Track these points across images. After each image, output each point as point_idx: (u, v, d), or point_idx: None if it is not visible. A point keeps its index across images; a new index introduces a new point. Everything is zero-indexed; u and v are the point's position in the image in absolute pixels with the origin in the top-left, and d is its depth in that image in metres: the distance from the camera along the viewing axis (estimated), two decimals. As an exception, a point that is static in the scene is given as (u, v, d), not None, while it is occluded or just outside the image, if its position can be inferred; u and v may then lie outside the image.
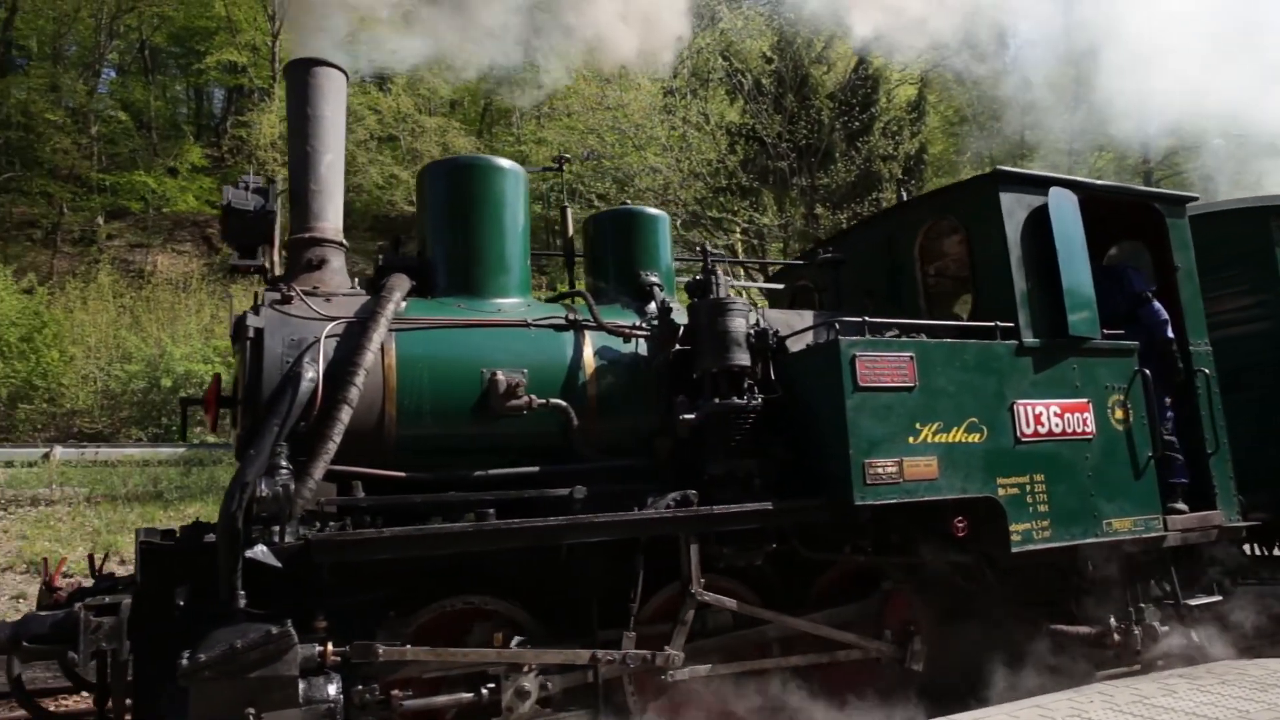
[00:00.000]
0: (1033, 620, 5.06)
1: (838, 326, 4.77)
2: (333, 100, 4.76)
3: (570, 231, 5.57)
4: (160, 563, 3.69)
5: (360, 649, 3.60)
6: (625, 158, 19.81)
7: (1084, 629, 5.05)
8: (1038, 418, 4.91)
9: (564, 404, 4.42)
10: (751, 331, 4.59)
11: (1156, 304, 5.69)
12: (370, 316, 4.17)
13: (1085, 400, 5.10)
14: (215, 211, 22.62)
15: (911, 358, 4.61)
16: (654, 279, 5.14)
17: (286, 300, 4.25)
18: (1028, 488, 4.81)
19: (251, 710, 3.28)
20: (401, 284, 4.43)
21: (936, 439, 4.59)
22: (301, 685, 3.42)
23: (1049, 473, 4.89)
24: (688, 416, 4.44)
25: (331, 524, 3.96)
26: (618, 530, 4.06)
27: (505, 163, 5.01)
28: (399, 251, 4.93)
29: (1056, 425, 4.96)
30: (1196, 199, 6.10)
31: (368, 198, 25.63)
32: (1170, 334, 5.65)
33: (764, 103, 18.13)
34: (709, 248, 4.87)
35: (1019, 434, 4.83)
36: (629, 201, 13.36)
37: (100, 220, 25.76)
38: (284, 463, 3.70)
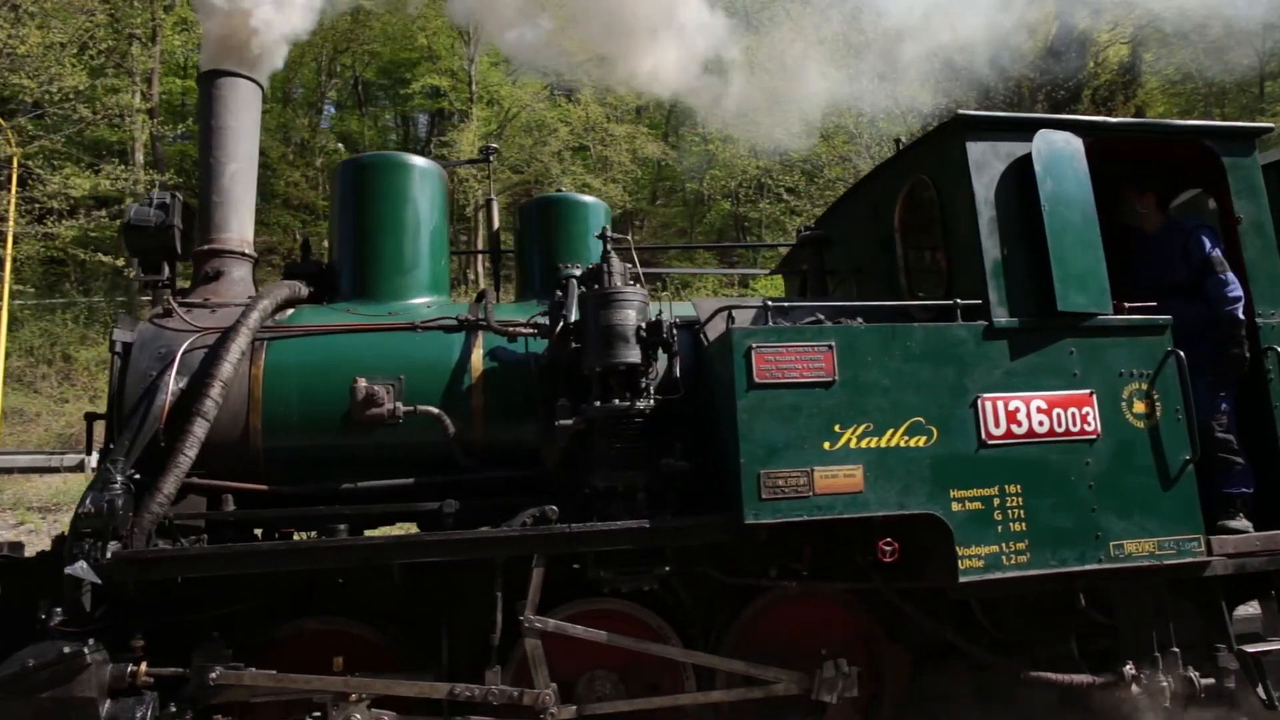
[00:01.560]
0: (1017, 665, 4.13)
1: (730, 315, 4.09)
2: (239, 111, 4.73)
3: (496, 224, 5.24)
4: (16, 577, 3.75)
5: (198, 671, 3.47)
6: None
7: (1081, 678, 4.05)
8: (1012, 415, 4.01)
9: (435, 411, 4.12)
10: (643, 325, 4.05)
11: (1226, 274, 4.51)
12: (232, 327, 4.06)
13: (1087, 391, 4.12)
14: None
15: (830, 347, 3.89)
16: (575, 271, 4.70)
17: (167, 314, 4.24)
18: (996, 501, 3.94)
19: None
20: (276, 292, 4.31)
21: (863, 444, 3.85)
22: (107, 706, 3.35)
23: (1028, 482, 3.99)
24: (564, 423, 3.98)
25: (192, 538, 3.90)
26: (449, 550, 3.70)
27: (408, 159, 4.80)
28: (307, 257, 4.82)
29: (1041, 423, 4.03)
30: (1269, 130, 4.78)
31: None
32: (1237, 309, 4.45)
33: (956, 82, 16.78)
34: (608, 232, 4.36)
35: (984, 435, 3.96)
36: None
37: (326, 242, 28.40)
38: (118, 477, 3.66)
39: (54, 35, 18.40)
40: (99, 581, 3.49)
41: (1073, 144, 4.33)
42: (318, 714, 3.61)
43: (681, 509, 4.01)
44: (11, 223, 16.57)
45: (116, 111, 22.06)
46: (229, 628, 3.75)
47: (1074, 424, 4.08)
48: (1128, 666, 4.08)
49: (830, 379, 3.88)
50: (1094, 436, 4.10)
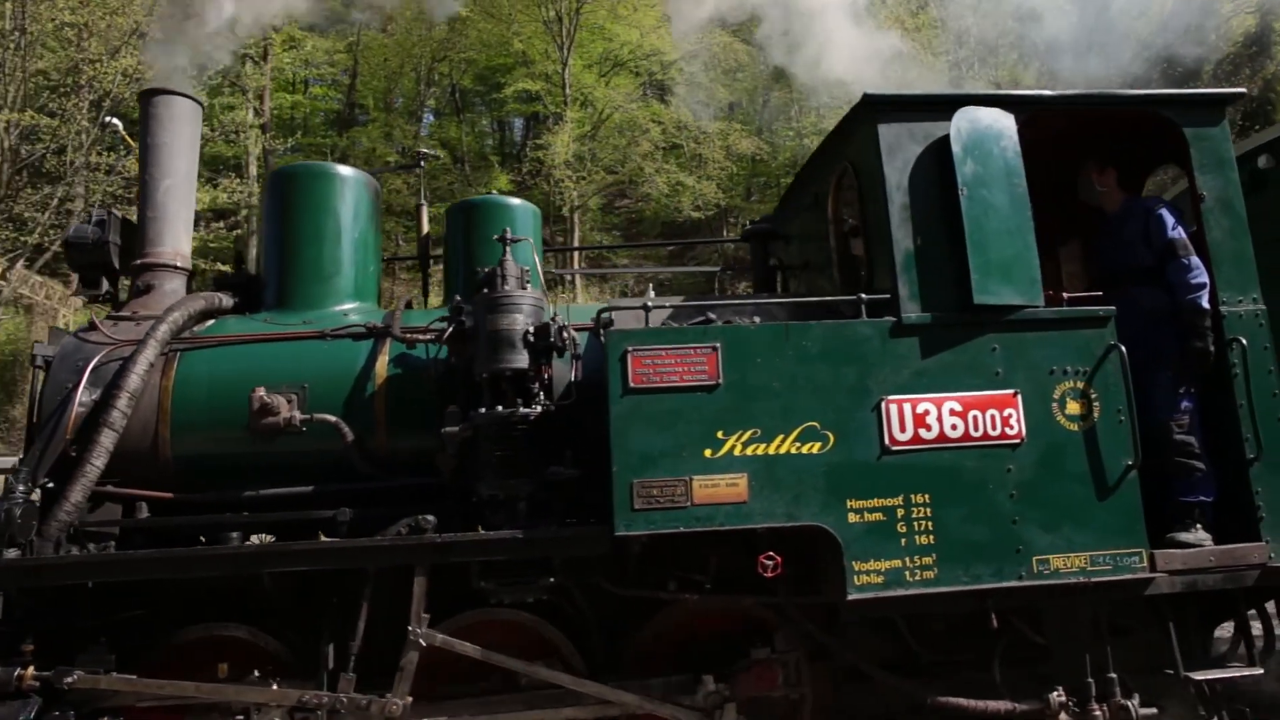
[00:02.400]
0: (926, 689, 3.83)
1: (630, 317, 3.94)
2: (174, 128, 4.88)
3: (425, 230, 5.22)
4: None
5: (59, 674, 3.60)
6: None
7: (999, 705, 3.72)
8: (920, 418, 3.72)
9: (332, 419, 4.14)
10: (530, 329, 3.95)
11: (1189, 258, 4.06)
12: (142, 340, 4.19)
13: (1011, 392, 3.79)
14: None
15: (715, 349, 3.70)
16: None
17: (92, 327, 4.41)
18: (900, 512, 3.67)
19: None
20: (190, 304, 4.42)
21: (749, 451, 3.65)
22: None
23: (938, 492, 3.70)
24: (450, 430, 3.93)
25: (103, 545, 4.04)
26: (314, 560, 3.70)
27: (331, 168, 4.86)
28: (240, 268, 4.92)
29: (954, 427, 3.74)
30: (1238, 95, 4.27)
31: (656, 206, 26.74)
32: (1200, 298, 4.01)
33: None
34: (509, 234, 4.26)
35: (887, 441, 3.69)
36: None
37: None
38: (19, 487, 3.82)
39: (175, 60, 19.51)
40: (-9, 586, 3.65)
41: (1001, 121, 3.98)
42: (216, 720, 3.68)
43: (569, 519, 3.90)
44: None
45: (232, 128, 23.52)
46: (130, 634, 3.88)
47: (993, 427, 3.76)
48: (1056, 693, 3.72)
49: (713, 382, 3.69)
50: (1018, 441, 3.76)
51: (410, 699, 3.74)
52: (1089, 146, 4.59)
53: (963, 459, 3.74)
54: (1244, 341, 3.99)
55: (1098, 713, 3.69)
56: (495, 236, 4.30)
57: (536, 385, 4.01)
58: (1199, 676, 3.75)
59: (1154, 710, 3.72)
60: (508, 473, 3.90)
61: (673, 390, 3.68)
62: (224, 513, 4.14)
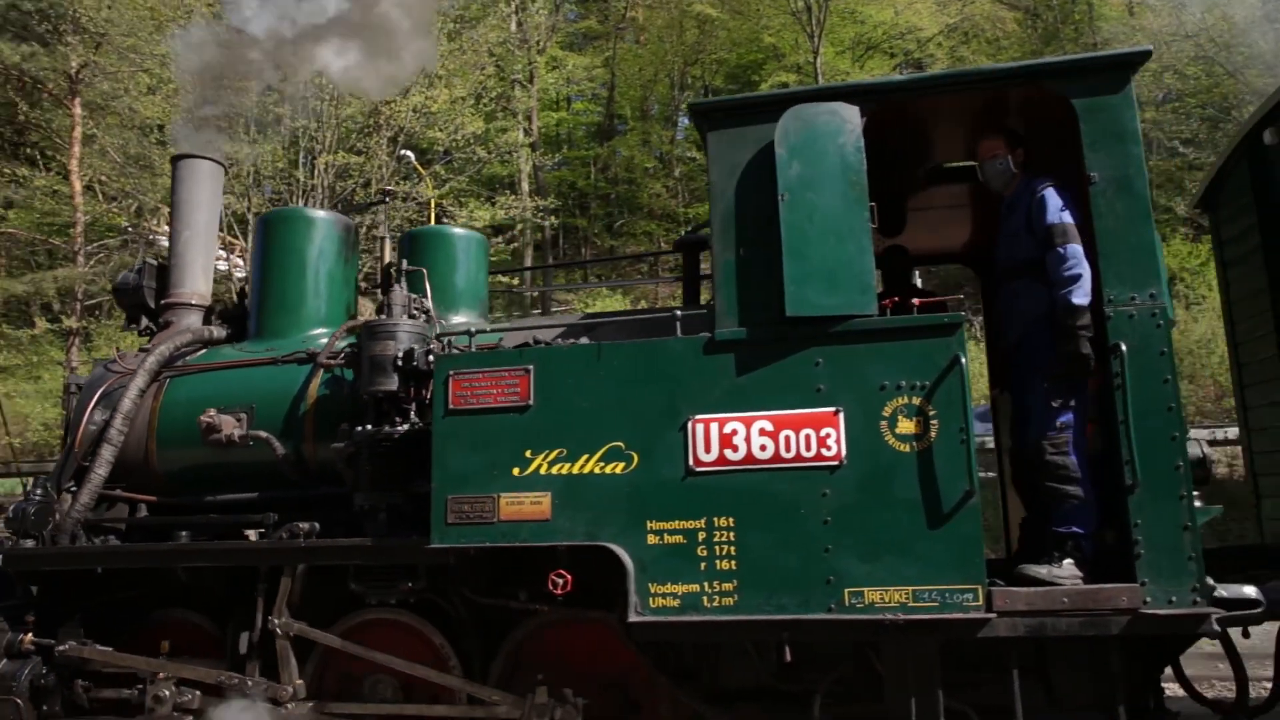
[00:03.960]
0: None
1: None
2: (194, 187, 5.88)
3: (387, 258, 5.77)
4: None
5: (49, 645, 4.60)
6: None
7: None
8: (727, 438, 3.65)
9: (264, 435, 4.82)
10: (399, 355, 4.36)
11: (1067, 247, 3.59)
12: (136, 369, 5.16)
13: (832, 410, 3.58)
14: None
15: (527, 371, 3.89)
16: (426, 304, 5.10)
17: (120, 358, 5.49)
18: (701, 535, 3.64)
19: (-38, 678, 4.53)
20: (177, 337, 5.33)
21: (554, 470, 3.81)
22: (4, 663, 4.57)
23: (743, 515, 3.61)
24: (336, 445, 4.46)
25: (110, 538, 5.06)
26: (207, 558, 4.38)
27: (303, 212, 5.62)
28: (242, 302, 5.79)
29: (763, 448, 3.62)
30: (1141, 56, 3.61)
31: None
32: (1073, 293, 3.53)
33: None
34: (404, 265, 4.64)
35: (692, 462, 3.66)
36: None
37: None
38: (38, 491, 4.91)
39: (457, 91, 22.36)
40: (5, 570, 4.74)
41: (839, 116, 3.75)
42: (140, 686, 4.51)
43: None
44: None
45: (505, 149, 25.97)
46: (123, 615, 4.84)
47: (807, 448, 3.58)
48: (873, 742, 3.47)
49: (525, 403, 3.88)
50: (836, 463, 3.55)
51: (301, 683, 4.32)
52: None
53: (772, 481, 3.59)
54: (1123, 348, 3.42)
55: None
56: (393, 267, 4.76)
57: (414, 406, 4.41)
58: None
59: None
60: (376, 485, 4.34)
61: (487, 411, 3.92)
62: (192, 514, 4.99)
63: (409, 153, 21.49)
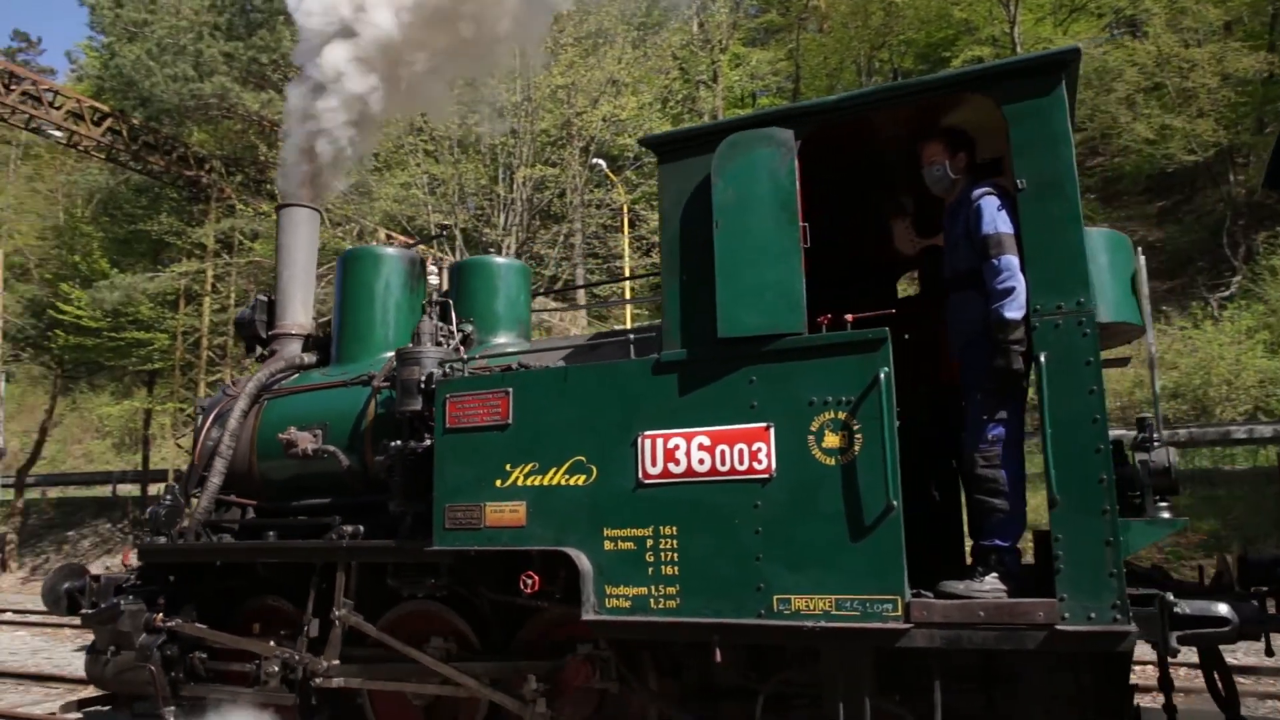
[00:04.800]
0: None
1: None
2: (294, 231, 6.88)
3: (445, 286, 6.44)
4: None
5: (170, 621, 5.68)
6: None
7: None
8: (670, 453, 4.00)
9: (332, 449, 5.64)
10: (422, 379, 5.01)
11: (1001, 258, 3.63)
12: (240, 393, 6.17)
13: (763, 425, 3.84)
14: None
15: (508, 393, 4.41)
16: (467, 327, 5.76)
17: (234, 383, 6.56)
18: (649, 543, 4.01)
19: (109, 646, 5.70)
20: (272, 365, 6.30)
21: (528, 482, 4.31)
22: (142, 637, 5.68)
23: (685, 524, 3.95)
24: (377, 459, 5.19)
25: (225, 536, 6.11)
26: (272, 554, 5.24)
27: (372, 250, 6.38)
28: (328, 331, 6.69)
29: (701, 461, 3.93)
30: (1070, 55, 3.52)
31: (1137, 158, 25.03)
32: (1004, 307, 3.57)
33: None
34: (433, 297, 5.25)
35: (641, 475, 4.04)
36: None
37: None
38: (168, 497, 6.03)
39: (644, 97, 23.44)
40: (140, 562, 5.87)
41: (773, 141, 3.96)
42: (257, 662, 5.45)
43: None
44: (626, 260, 22.06)
45: None
46: (228, 601, 5.86)
47: (740, 462, 3.84)
48: (810, 739, 3.68)
49: (505, 422, 4.39)
50: (767, 476, 3.79)
51: (337, 661, 5.09)
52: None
53: (710, 493, 3.88)
54: (1043, 358, 3.40)
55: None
56: (424, 301, 5.41)
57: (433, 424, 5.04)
58: None
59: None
60: (405, 494, 5.00)
61: (476, 430, 4.46)
62: (283, 517, 5.92)
63: (600, 161, 22.37)
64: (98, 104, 22.34)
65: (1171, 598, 3.48)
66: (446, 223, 8.08)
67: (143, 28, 23.77)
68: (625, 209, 22.67)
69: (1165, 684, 4.37)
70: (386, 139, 23.65)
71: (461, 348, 5.41)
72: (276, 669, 5.32)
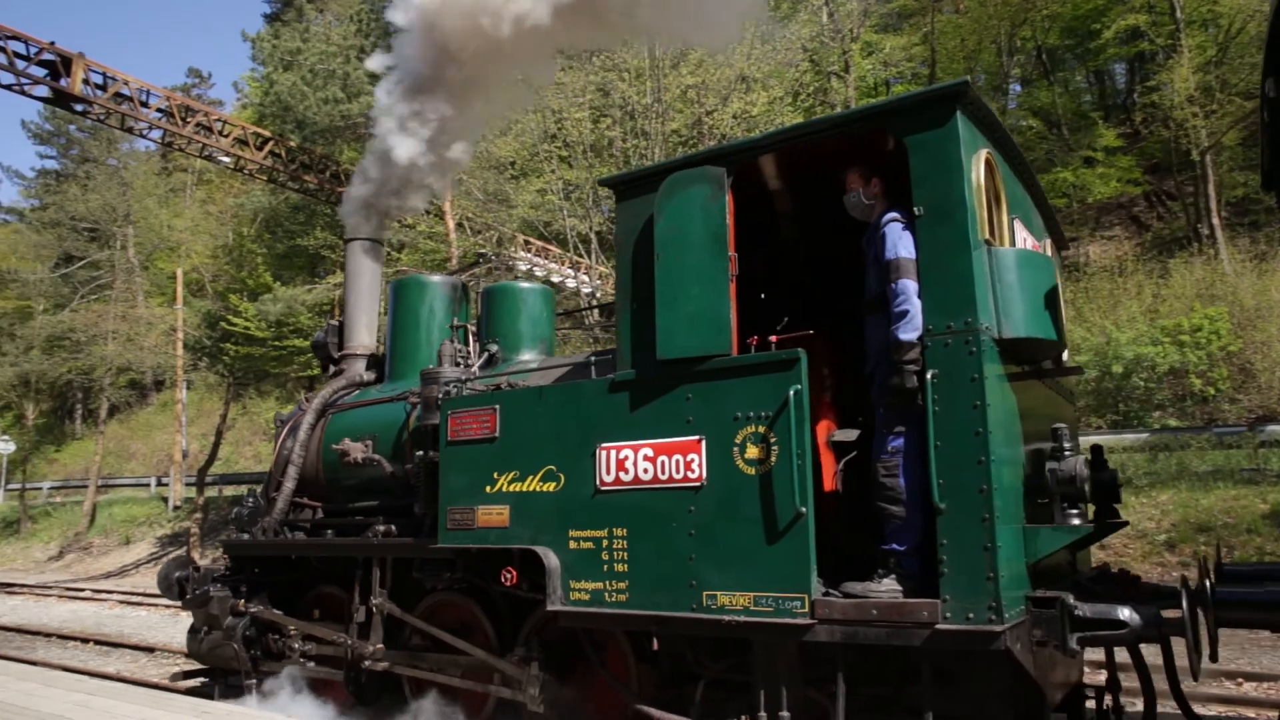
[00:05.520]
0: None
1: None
2: (358, 260, 7.81)
3: (474, 311, 7.14)
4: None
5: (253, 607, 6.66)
6: None
7: (674, 719, 4.27)
8: (621, 463, 4.53)
9: (377, 458, 6.46)
10: (439, 396, 5.73)
11: (899, 282, 3.97)
12: (308, 408, 7.11)
13: (696, 438, 4.32)
14: (1138, 189, 26.23)
15: (495, 409, 5.06)
16: (493, 347, 6.46)
17: (307, 399, 7.54)
18: (605, 543, 4.56)
19: (204, 626, 6.76)
20: (335, 383, 7.21)
21: (511, 488, 4.94)
22: (227, 620, 6.70)
23: (633, 527, 4.47)
24: (407, 466, 5.96)
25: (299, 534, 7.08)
26: (325, 550, 6.07)
27: (419, 278, 7.16)
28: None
29: (646, 471, 4.45)
30: (959, 88, 3.79)
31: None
32: (900, 329, 3.91)
33: None
34: (455, 321, 5.95)
35: (598, 482, 4.60)
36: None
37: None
38: (250, 500, 7.05)
39: (774, 92, 23.66)
40: (229, 556, 6.89)
41: (706, 178, 4.41)
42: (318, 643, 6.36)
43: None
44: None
45: None
46: (298, 589, 6.80)
47: (678, 471, 4.32)
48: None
49: (493, 435, 5.03)
50: (699, 484, 4.25)
51: (382, 645, 5.87)
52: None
53: (653, 499, 4.37)
54: (929, 376, 3.70)
55: (761, 746, 3.97)
56: (450, 324, 6.14)
57: (451, 435, 5.74)
58: None
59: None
60: (426, 498, 5.73)
61: (470, 442, 5.12)
62: (342, 517, 6.79)
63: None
64: (260, 130, 24.64)
65: (1071, 601, 3.72)
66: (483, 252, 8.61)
67: (296, 56, 26.05)
68: None
69: (1113, 685, 4.52)
70: (523, 148, 24.85)
71: (475, 367, 6.09)
72: (331, 651, 6.18)
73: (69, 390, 48.53)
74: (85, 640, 12.00)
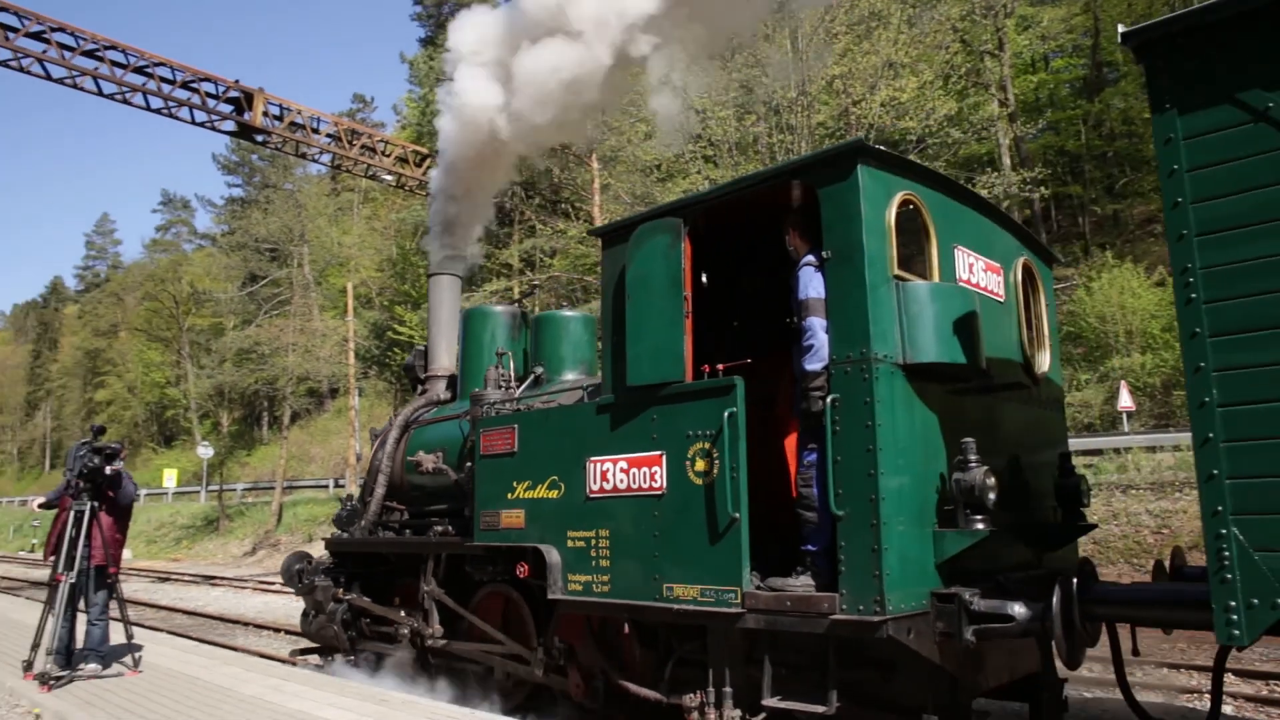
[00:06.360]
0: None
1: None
2: (439, 294, 9.00)
3: (522, 338, 8.10)
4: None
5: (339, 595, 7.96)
6: None
7: (650, 694, 5.06)
8: (604, 474, 5.38)
9: (444, 468, 7.57)
10: (482, 416, 6.75)
11: (808, 319, 4.62)
12: (393, 424, 8.36)
13: (658, 453, 5.11)
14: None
15: (514, 428, 6.03)
16: (538, 369, 7.44)
17: (396, 415, 8.81)
18: (593, 542, 5.42)
19: (312, 610, 8.12)
20: (415, 402, 8.41)
21: (525, 495, 5.89)
22: (330, 605, 8.04)
23: (614, 529, 5.31)
24: (459, 476, 7.04)
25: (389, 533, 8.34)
26: (391, 548, 7.22)
27: (482, 309, 8.24)
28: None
29: (623, 481, 5.28)
30: (856, 146, 4.36)
31: None
32: (806, 361, 4.56)
33: None
34: (499, 350, 6.92)
35: (589, 490, 5.47)
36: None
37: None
38: (349, 504, 8.37)
39: (924, 76, 23.07)
40: (329, 550, 8.23)
41: (667, 227, 5.18)
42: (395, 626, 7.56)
43: (497, 533, 6.56)
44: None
45: (981, 124, 26.20)
46: (388, 580, 8.05)
47: (645, 481, 5.12)
48: (689, 696, 4.87)
49: (513, 450, 5.99)
50: (661, 492, 5.03)
51: (441, 629, 6.97)
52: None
53: (627, 505, 5.18)
54: (828, 400, 4.31)
55: (711, 714, 4.70)
56: (497, 350, 7.17)
57: (495, 448, 6.75)
58: (773, 703, 4.40)
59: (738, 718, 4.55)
60: (471, 504, 6.76)
61: (498, 456, 6.10)
62: (420, 519, 7.96)
63: (880, 148, 22.46)
64: (418, 147, 26.83)
65: (968, 596, 4.25)
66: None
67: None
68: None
69: (1121, 680, 4.91)
70: (666, 150, 25.49)
71: (522, 388, 7.06)
72: (405, 632, 7.35)
73: (256, 399, 54.04)
74: (277, 630, 13.76)
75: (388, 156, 25.62)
